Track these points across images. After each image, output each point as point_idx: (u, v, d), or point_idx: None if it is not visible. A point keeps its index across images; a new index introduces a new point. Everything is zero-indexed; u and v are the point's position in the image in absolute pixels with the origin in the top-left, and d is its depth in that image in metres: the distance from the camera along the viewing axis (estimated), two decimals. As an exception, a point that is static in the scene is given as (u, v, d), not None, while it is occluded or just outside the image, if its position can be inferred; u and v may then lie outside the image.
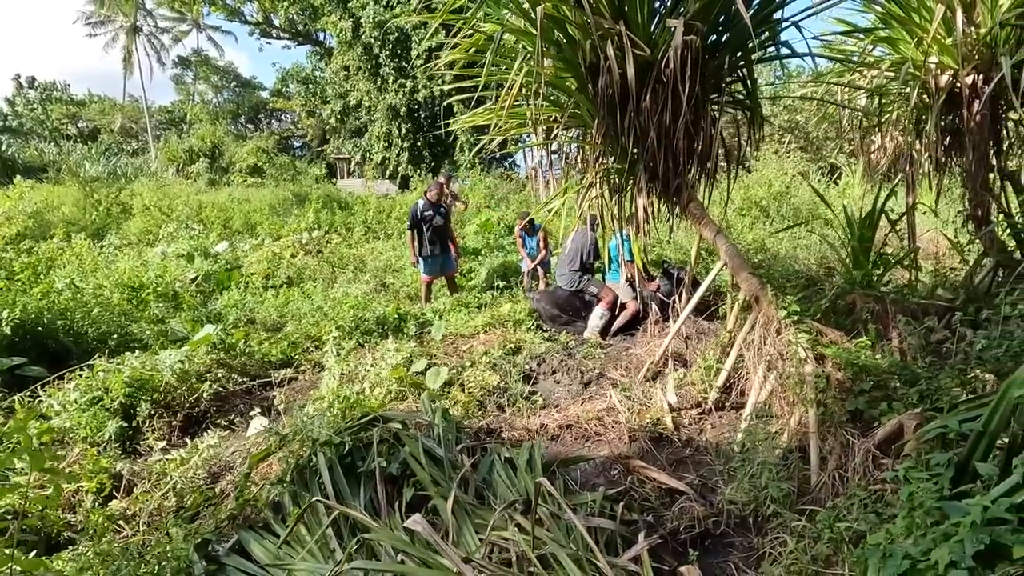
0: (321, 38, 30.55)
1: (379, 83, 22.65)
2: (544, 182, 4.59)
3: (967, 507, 1.67)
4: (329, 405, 3.29)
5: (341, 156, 27.71)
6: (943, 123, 5.28)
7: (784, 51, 4.30)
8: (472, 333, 5.83)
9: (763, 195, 8.56)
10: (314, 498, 2.30)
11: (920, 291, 5.25)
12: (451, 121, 4.70)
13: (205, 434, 3.33)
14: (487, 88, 4.26)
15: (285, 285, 6.90)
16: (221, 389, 4.30)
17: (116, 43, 38.02)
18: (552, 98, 4.33)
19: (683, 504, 2.86)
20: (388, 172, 23.61)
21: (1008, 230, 5.13)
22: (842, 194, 8.92)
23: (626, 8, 3.77)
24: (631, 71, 3.49)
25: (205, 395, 4.01)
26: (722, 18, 3.98)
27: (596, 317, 5.96)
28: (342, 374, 4.13)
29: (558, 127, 4.28)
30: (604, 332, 5.94)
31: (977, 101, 4.97)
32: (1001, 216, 5.24)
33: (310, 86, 28.17)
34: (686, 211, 4.16)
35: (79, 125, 39.99)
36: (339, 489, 2.56)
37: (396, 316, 5.92)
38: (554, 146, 4.64)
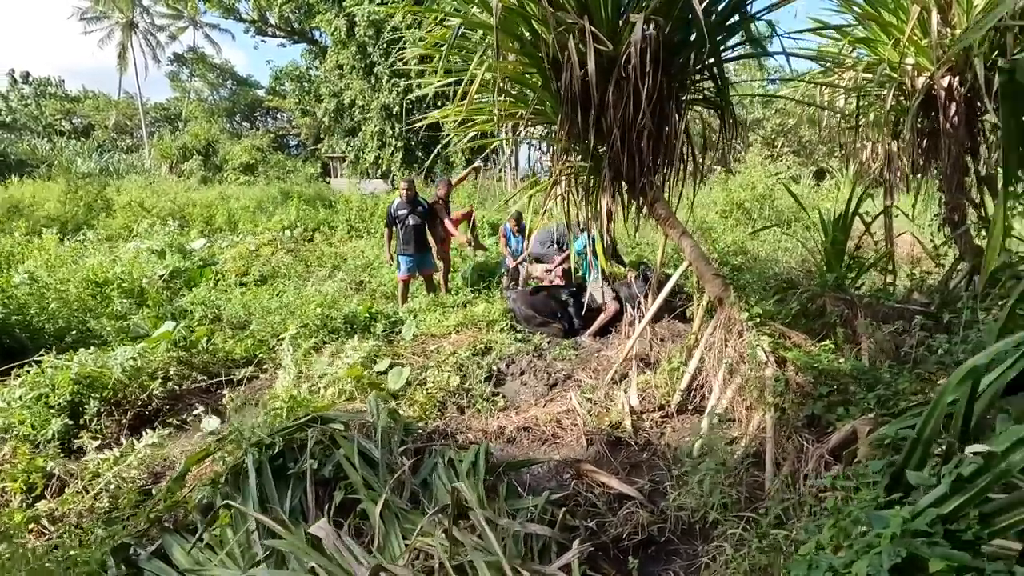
0: (316, 36, 30.45)
1: (373, 82, 22.57)
2: (511, 179, 4.51)
3: (889, 518, 1.59)
4: (276, 405, 3.20)
5: (335, 155, 27.61)
6: (920, 125, 5.22)
7: (762, 50, 4.24)
8: (444, 333, 5.75)
9: (746, 197, 8.49)
10: (224, 502, 2.22)
11: (895, 295, 5.18)
12: (420, 119, 4.61)
13: (145, 433, 3.23)
14: (459, 84, 4.19)
15: (258, 283, 6.81)
16: (176, 387, 4.20)
17: (111, 39, 37.91)
18: (517, 94, 4.25)
19: (629, 510, 2.77)
20: (381, 171, 23.53)
21: (982, 233, 5.07)
22: (826, 197, 8.87)
23: (589, 2, 3.69)
24: (591, 65, 3.42)
25: (155, 393, 3.91)
26: (689, 15, 3.91)
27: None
28: (300, 373, 4.04)
29: (523, 124, 4.20)
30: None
31: (953, 103, 4.92)
32: (978, 219, 5.18)
33: (304, 84, 28.08)
34: (652, 211, 4.09)
35: (73, 121, 39.82)
36: (265, 492, 2.47)
37: (367, 315, 5.84)
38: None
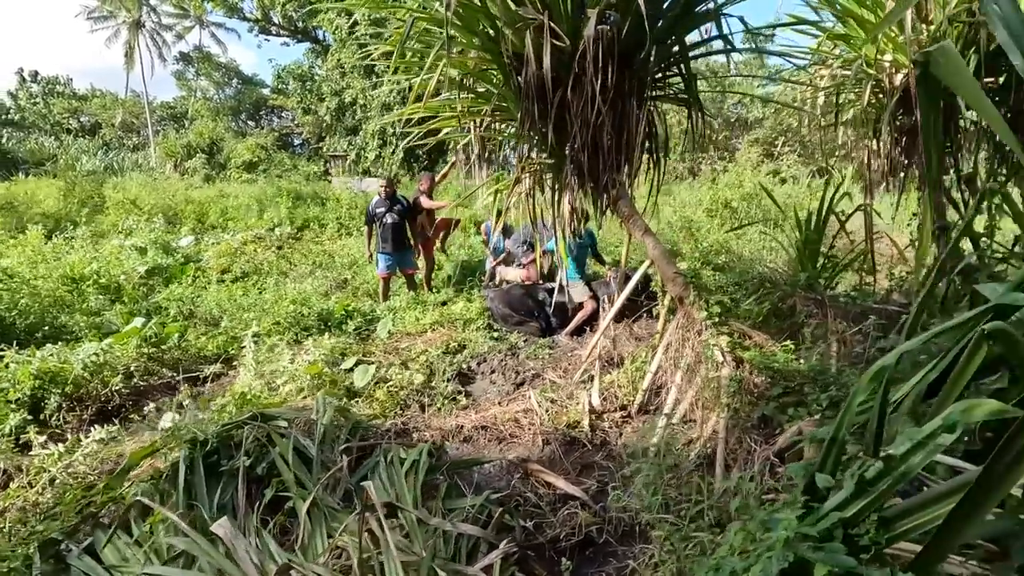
0: (319, 36, 30.51)
1: (374, 81, 22.59)
2: (480, 178, 4.49)
3: (781, 522, 1.56)
4: (222, 402, 3.19)
5: (336, 154, 27.68)
6: (898, 123, 5.15)
7: (730, 46, 4.19)
8: (420, 331, 5.74)
9: (733, 196, 8.41)
10: (136, 498, 2.22)
11: (874, 295, 5.11)
12: (387, 116, 4.60)
13: (93, 429, 3.24)
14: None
15: (238, 280, 6.82)
16: (141, 383, 4.21)
17: (118, 38, 38.22)
18: (484, 91, 4.23)
19: (570, 510, 2.74)
20: (383, 170, 23.54)
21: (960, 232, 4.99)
22: (814, 196, 8.77)
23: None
24: (547, 61, 3.39)
25: (116, 389, 3.93)
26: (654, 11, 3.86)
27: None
28: (261, 370, 4.04)
29: (483, 120, 4.17)
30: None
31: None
32: (957, 219, 5.10)
33: (307, 83, 28.16)
34: (615, 209, 4.05)
35: (81, 120, 40.19)
36: (195, 489, 2.46)
37: (343, 312, 5.84)
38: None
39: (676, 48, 4.08)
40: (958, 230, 5.22)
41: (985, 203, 3.14)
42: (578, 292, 6.05)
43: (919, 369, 2.08)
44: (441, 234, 7.32)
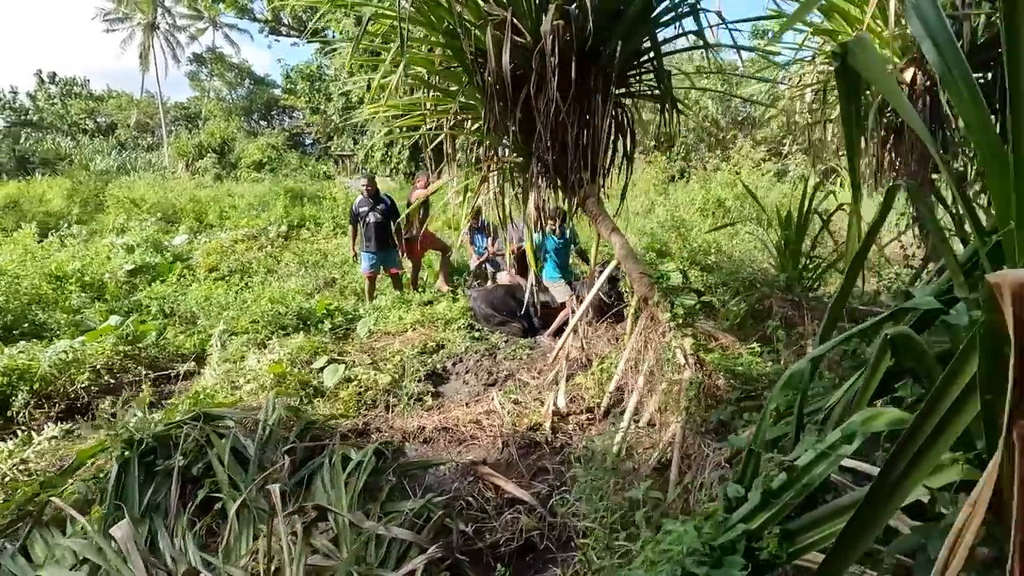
0: (329, 35, 30.67)
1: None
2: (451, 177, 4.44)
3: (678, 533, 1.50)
4: (180, 401, 3.19)
5: (344, 153, 27.84)
6: (885, 120, 5.03)
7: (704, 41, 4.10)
8: (401, 331, 5.72)
9: (727, 195, 8.27)
10: (50, 496, 2.21)
11: (860, 296, 4.99)
12: (359, 111, 4.58)
13: (47, 426, 3.26)
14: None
15: (224, 278, 6.85)
16: (111, 381, 4.23)
17: (133, 40, 38.79)
18: (454, 89, 4.19)
19: (513, 515, 2.69)
20: (391, 168, 23.61)
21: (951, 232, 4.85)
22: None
23: (511, -8, 3.60)
24: (506, 58, 3.34)
25: (84, 386, 3.94)
26: (620, 6, 3.79)
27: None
28: (227, 369, 4.03)
29: (451, 119, 4.13)
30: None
31: (917, 97, 4.73)
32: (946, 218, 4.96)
33: (315, 83, 28.35)
34: (583, 207, 3.99)
35: (97, 120, 40.86)
36: (126, 489, 2.45)
37: (324, 311, 5.83)
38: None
39: (647, 43, 4.01)
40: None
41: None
42: (560, 292, 6.00)
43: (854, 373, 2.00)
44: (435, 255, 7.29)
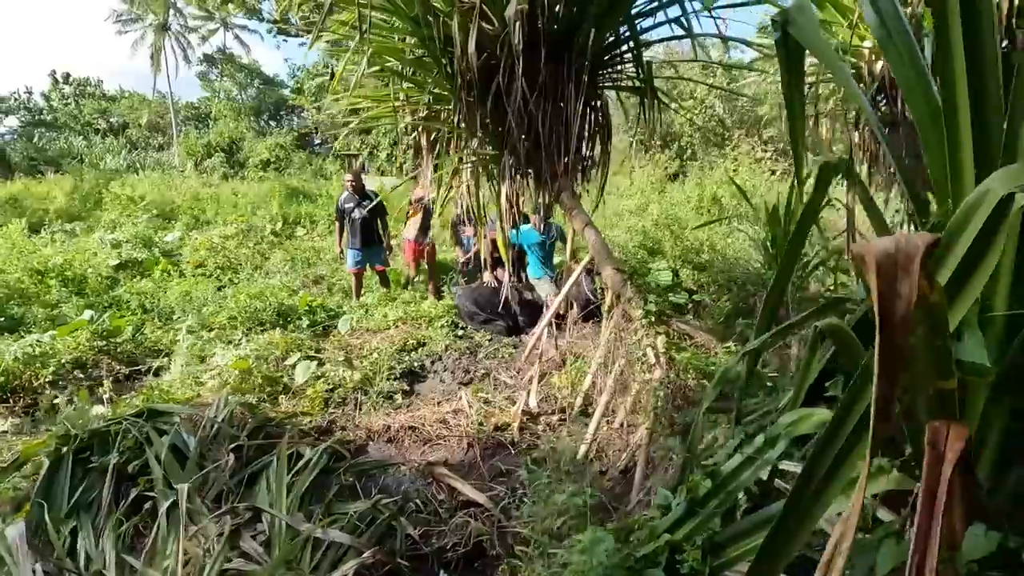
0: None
1: (385, 79, 22.62)
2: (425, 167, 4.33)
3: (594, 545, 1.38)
4: (132, 397, 3.11)
5: (350, 152, 27.87)
6: (879, 113, 4.87)
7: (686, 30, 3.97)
8: (384, 328, 5.63)
9: (723, 193, 8.09)
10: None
11: (852, 295, 4.81)
12: (335, 99, 4.50)
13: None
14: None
15: (211, 275, 6.80)
16: (81, 375, 4.17)
17: (144, 40, 39.18)
18: (418, 78, 4.09)
19: (463, 519, 2.58)
20: (396, 166, 23.58)
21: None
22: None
23: (482, -19, 3.49)
24: (472, 45, 3.23)
25: (50, 381, 3.89)
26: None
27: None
28: (190, 365, 3.95)
29: (423, 109, 4.03)
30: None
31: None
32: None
33: (323, 83, 28.44)
34: (558, 200, 3.86)
35: (110, 120, 41.28)
36: (55, 487, 2.37)
37: (306, 307, 5.76)
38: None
39: (626, 31, 3.89)
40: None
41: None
42: (544, 289, 5.88)
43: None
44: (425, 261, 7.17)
